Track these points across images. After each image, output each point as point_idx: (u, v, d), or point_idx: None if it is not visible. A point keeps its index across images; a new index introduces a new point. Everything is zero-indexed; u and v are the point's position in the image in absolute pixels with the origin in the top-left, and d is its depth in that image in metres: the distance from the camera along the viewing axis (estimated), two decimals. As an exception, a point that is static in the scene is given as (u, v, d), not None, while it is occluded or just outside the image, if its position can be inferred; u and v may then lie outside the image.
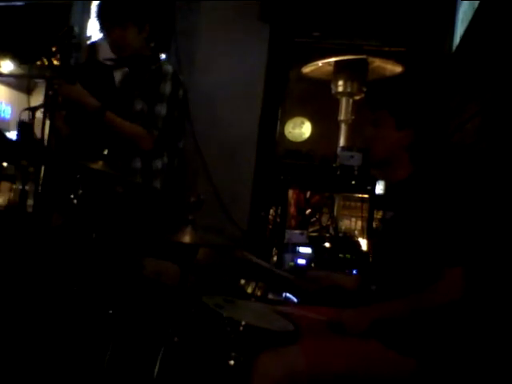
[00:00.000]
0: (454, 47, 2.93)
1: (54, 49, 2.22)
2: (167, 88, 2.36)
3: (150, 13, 2.46)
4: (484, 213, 1.80)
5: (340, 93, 4.27)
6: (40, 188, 2.65)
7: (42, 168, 2.75)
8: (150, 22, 2.46)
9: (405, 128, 1.71)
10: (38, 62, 4.60)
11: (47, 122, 2.42)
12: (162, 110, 2.35)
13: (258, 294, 2.45)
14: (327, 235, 3.48)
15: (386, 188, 1.84)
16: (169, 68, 2.41)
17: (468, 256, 1.54)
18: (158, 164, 2.42)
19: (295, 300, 2.46)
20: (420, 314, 1.56)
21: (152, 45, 2.55)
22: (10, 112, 7.82)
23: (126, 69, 2.61)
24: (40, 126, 2.43)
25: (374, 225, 3.25)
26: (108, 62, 2.70)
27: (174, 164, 2.50)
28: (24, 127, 3.06)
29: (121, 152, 2.43)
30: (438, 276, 1.52)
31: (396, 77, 3.92)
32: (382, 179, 1.76)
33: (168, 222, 2.45)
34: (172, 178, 2.50)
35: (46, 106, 2.42)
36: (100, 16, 2.46)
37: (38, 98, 2.85)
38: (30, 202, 2.94)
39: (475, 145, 1.99)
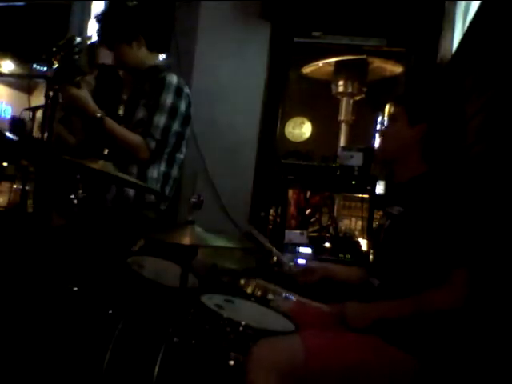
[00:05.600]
0: (454, 47, 2.93)
1: (54, 49, 2.22)
2: (168, 99, 2.37)
3: (134, 27, 2.47)
4: (492, 215, 1.80)
5: (340, 93, 4.27)
6: (39, 188, 2.65)
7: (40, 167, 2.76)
8: (141, 34, 2.46)
9: (418, 123, 1.71)
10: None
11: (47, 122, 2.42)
12: (160, 120, 2.35)
13: (258, 294, 2.45)
14: (327, 235, 3.48)
15: (395, 184, 1.83)
16: (173, 79, 2.40)
17: (473, 258, 1.54)
18: (154, 172, 2.42)
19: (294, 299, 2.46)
20: (423, 315, 1.56)
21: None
22: (10, 112, 7.82)
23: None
24: (40, 126, 2.44)
25: (375, 224, 3.24)
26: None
27: (173, 174, 2.50)
28: (16, 123, 3.05)
29: (118, 157, 2.43)
30: (443, 277, 1.52)
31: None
32: (392, 176, 1.76)
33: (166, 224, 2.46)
34: (170, 187, 2.51)
35: (46, 106, 2.42)
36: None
37: (38, 98, 2.85)
38: (30, 202, 2.94)
39: (475, 145, 1.99)
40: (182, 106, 2.42)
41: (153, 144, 2.34)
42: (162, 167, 2.45)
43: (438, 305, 1.53)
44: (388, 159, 1.84)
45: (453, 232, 1.57)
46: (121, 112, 2.78)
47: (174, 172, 2.52)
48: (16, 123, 3.10)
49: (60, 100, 2.34)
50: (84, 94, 2.33)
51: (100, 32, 2.54)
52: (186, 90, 2.47)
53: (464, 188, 1.72)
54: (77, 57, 2.28)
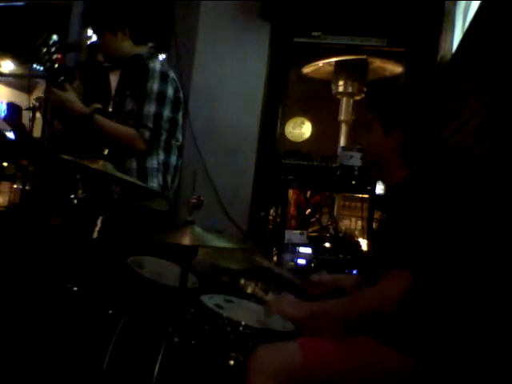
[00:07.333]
0: (454, 47, 2.93)
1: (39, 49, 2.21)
2: (154, 86, 2.34)
3: (122, 17, 2.45)
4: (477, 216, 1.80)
5: (340, 93, 4.26)
6: (38, 188, 2.65)
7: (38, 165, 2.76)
8: (127, 26, 2.45)
9: (392, 132, 1.71)
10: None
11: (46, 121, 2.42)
12: (150, 108, 2.33)
13: (258, 294, 2.45)
14: (327, 235, 3.48)
15: (385, 190, 1.87)
16: (156, 65, 2.38)
17: (418, 261, 1.53)
18: (153, 163, 2.41)
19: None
20: (363, 313, 1.56)
21: (150, 45, 2.55)
22: (10, 112, 7.82)
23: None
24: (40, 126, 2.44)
25: (374, 225, 3.24)
26: (106, 64, 2.72)
27: (172, 162, 2.49)
28: (13, 110, 2.97)
29: (115, 152, 2.43)
30: (382, 277, 1.54)
31: (387, 80, 3.95)
32: (380, 181, 1.81)
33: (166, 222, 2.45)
34: (171, 175, 2.49)
35: (46, 106, 2.42)
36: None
37: (38, 98, 2.84)
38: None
39: (474, 145, 1.99)
40: (170, 91, 2.39)
41: (147, 134, 2.32)
42: (161, 156, 2.42)
43: (371, 304, 1.54)
44: (372, 165, 1.85)
45: (402, 232, 1.57)
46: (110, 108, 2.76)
47: (173, 160, 2.48)
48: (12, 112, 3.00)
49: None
50: (69, 96, 2.32)
51: (88, 17, 2.54)
52: (171, 74, 2.44)
53: (435, 192, 1.71)
54: (55, 56, 2.25)
